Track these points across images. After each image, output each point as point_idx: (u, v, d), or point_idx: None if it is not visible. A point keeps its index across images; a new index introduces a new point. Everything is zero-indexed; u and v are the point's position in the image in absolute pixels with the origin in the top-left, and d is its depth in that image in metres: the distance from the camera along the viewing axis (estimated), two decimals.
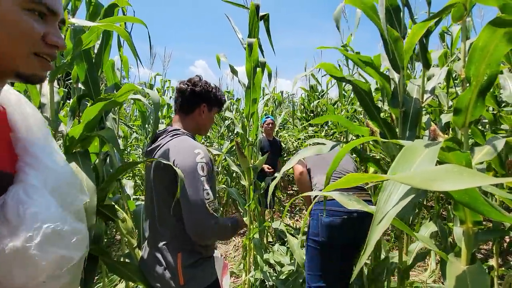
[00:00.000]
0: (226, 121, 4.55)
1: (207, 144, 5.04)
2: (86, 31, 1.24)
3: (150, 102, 1.11)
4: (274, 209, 4.06)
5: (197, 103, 1.17)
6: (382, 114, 1.18)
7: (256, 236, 1.98)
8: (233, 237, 3.40)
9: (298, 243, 1.89)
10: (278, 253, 2.57)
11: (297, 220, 4.23)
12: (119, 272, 1.03)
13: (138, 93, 1.73)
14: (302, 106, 5.24)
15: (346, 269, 1.66)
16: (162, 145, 1.06)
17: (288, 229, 2.70)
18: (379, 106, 1.16)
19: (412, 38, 0.90)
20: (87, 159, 1.03)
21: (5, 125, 0.50)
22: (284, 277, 2.15)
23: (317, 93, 4.76)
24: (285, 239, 2.98)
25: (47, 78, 1.22)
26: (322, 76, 5.07)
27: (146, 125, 3.50)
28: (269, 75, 2.48)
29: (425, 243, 0.72)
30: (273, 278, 2.12)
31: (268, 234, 3.13)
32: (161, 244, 1.02)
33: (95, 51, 1.44)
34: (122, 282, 2.33)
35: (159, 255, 1.02)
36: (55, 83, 1.41)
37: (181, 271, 0.98)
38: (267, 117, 3.63)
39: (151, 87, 3.81)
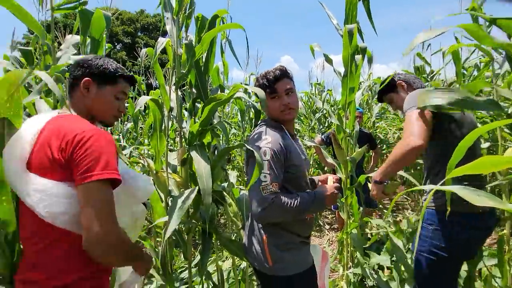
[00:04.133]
0: (317, 114, 4.47)
1: (298, 136, 5.08)
2: (196, 44, 1.48)
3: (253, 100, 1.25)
4: (377, 207, 3.71)
5: None
6: None
7: (354, 231, 1.89)
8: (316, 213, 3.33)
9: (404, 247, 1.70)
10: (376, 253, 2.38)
11: (400, 220, 3.77)
12: (228, 247, 1.20)
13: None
14: None
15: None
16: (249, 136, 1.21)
17: (390, 229, 2.45)
18: None
19: None
20: (204, 149, 1.25)
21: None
22: (385, 279, 1.98)
23: (425, 75, 4.05)
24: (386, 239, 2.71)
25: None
26: (432, 55, 4.26)
27: (243, 122, 3.83)
28: (369, 60, 2.27)
29: None
30: (375, 277, 1.98)
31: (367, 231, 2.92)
32: (255, 227, 1.14)
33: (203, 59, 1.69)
34: (228, 259, 2.67)
35: (254, 238, 1.14)
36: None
37: (268, 252, 1.07)
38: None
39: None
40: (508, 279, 1.39)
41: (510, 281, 1.31)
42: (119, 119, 1.00)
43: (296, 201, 1.05)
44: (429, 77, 4.07)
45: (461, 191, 0.74)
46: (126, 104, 1.04)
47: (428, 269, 1.28)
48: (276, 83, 1.16)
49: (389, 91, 1.53)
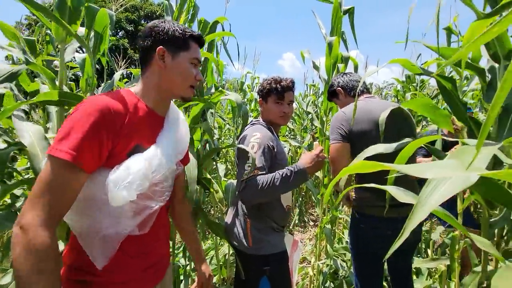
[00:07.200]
0: (310, 115, 4.62)
1: (291, 136, 5.24)
2: None
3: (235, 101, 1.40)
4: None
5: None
6: None
7: (328, 226, 2.06)
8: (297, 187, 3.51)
9: None
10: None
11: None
12: (212, 228, 1.36)
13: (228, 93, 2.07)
14: (396, 99, 4.75)
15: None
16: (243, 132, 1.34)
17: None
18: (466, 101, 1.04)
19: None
20: (192, 144, 1.39)
21: (162, 121, 0.87)
22: None
23: (415, 84, 4.21)
24: None
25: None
26: (422, 64, 4.43)
27: (237, 118, 3.99)
28: (355, 68, 2.44)
29: (485, 247, 0.70)
30: (346, 269, 2.16)
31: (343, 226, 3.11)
32: (240, 212, 1.30)
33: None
34: (212, 250, 2.84)
35: (237, 221, 1.30)
36: None
37: (250, 235, 1.23)
38: None
39: (242, 84, 4.28)
40: (456, 274, 1.57)
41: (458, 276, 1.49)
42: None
43: (273, 178, 1.12)
44: (419, 86, 4.24)
45: (394, 190, 0.91)
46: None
47: (355, 262, 1.48)
48: (286, 92, 1.34)
49: (331, 96, 1.62)
